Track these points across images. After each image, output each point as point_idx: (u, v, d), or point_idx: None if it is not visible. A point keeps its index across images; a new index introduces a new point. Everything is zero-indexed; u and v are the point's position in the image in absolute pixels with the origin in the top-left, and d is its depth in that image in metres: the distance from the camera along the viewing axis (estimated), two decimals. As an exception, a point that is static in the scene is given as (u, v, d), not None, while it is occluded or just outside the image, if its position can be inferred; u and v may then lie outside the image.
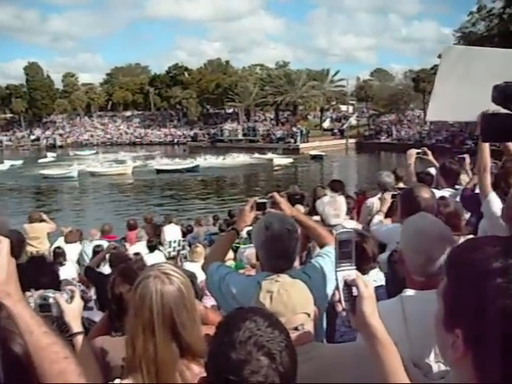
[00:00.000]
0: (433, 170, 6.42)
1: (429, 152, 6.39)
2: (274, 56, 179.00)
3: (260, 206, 3.30)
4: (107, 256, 6.65)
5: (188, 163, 49.36)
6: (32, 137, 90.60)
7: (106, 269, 6.90)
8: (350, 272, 1.71)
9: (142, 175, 44.83)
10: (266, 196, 3.41)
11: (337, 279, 1.72)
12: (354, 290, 1.68)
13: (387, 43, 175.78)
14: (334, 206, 4.76)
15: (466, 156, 6.70)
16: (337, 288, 1.72)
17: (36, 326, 1.59)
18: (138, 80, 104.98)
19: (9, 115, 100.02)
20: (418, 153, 6.22)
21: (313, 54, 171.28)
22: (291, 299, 2.07)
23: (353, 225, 5.09)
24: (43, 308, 2.41)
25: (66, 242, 10.60)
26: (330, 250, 3.02)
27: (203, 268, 3.23)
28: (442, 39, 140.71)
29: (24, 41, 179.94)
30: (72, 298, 2.46)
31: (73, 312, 2.42)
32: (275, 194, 3.31)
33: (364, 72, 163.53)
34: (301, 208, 10.11)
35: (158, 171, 45.98)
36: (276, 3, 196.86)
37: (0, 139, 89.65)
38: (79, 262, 10.24)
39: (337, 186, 6.41)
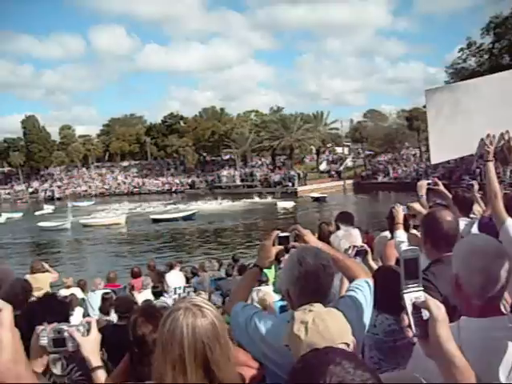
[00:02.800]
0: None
1: (439, 182, 6.27)
2: (265, 102, 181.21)
3: (282, 240, 3.13)
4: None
5: (184, 211, 49.34)
6: (30, 189, 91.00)
7: (113, 317, 6.73)
8: (418, 294, 1.58)
9: (136, 225, 44.72)
10: (288, 229, 3.25)
11: (404, 302, 1.57)
12: (425, 313, 1.55)
13: (375, 85, 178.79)
14: (350, 240, 4.61)
15: (475, 182, 6.58)
16: (405, 312, 1.58)
17: None
18: (134, 130, 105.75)
19: (7, 168, 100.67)
20: (428, 183, 6.11)
21: (303, 98, 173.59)
22: (329, 329, 1.92)
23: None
24: (57, 343, 2.21)
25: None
26: (361, 283, 2.89)
27: (226, 309, 3.03)
28: (429, 78, 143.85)
29: (19, 95, 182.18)
30: (89, 330, 2.27)
31: (90, 345, 2.24)
32: (298, 226, 3.16)
33: (355, 114, 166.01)
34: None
35: (154, 220, 45.80)
36: (264, 52, 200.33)
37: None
38: (84, 314, 10.07)
39: (347, 218, 6.22)
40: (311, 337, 1.89)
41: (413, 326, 1.55)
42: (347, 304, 2.75)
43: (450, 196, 6.00)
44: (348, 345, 1.96)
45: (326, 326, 1.92)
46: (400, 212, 4.96)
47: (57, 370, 2.68)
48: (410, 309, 1.56)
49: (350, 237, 4.68)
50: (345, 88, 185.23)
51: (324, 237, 4.94)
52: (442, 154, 4.12)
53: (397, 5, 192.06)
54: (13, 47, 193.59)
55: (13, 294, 4.66)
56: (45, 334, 2.22)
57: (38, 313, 2.96)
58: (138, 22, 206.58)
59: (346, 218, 6.14)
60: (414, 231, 5.51)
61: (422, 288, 1.60)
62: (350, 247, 4.19)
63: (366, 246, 4.36)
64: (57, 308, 3.20)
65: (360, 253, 4.17)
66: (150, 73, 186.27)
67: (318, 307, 2.03)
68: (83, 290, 12.51)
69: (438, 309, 1.54)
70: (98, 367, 2.26)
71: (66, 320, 3.05)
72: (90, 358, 2.23)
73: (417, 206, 5.40)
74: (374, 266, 4.27)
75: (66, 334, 2.22)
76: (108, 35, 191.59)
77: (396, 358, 3.10)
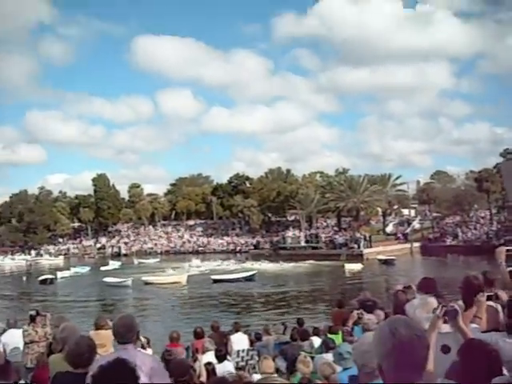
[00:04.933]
0: None
1: (520, 248, 5.94)
2: (329, 164, 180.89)
3: None
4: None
5: (244, 272, 48.97)
6: (98, 245, 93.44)
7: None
8: None
9: (197, 284, 44.67)
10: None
11: None
12: None
13: (440, 146, 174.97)
14: (426, 309, 4.34)
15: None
16: None
17: None
18: (200, 190, 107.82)
19: (77, 224, 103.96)
20: (507, 250, 5.80)
21: (367, 160, 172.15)
22: None
23: (447, 329, 4.63)
24: None
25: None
26: None
27: None
28: (496, 139, 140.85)
29: (90, 154, 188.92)
30: None
31: None
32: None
33: (420, 175, 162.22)
34: (381, 314, 9.65)
35: (214, 281, 45.75)
36: (327, 114, 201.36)
37: (67, 247, 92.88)
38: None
39: (429, 285, 5.88)
40: None
41: None
42: None
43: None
44: None
45: None
46: (483, 304, 4.62)
47: None
48: None
49: (426, 305, 4.44)
50: (409, 149, 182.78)
51: (400, 305, 4.66)
52: None
53: (459, 66, 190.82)
54: (86, 109, 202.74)
55: (78, 352, 4.60)
56: None
57: (107, 381, 2.80)
58: (204, 86, 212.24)
59: (427, 285, 5.83)
60: (490, 303, 5.16)
61: None
62: (438, 306, 3.91)
63: (456, 306, 4.05)
64: (127, 377, 3.01)
65: (450, 313, 3.88)
66: (216, 134, 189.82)
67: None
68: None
69: None
70: None
71: None
72: None
73: (504, 295, 5.15)
74: (465, 329, 3.97)
75: None
76: (175, 98, 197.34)
77: None
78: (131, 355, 4.80)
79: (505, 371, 3.39)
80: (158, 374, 4.82)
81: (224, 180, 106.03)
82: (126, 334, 4.91)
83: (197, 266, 60.18)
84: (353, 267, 50.97)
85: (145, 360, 4.93)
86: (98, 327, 10.51)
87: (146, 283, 46.14)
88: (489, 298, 4.70)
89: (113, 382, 2.74)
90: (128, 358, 3.26)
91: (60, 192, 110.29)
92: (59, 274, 54.88)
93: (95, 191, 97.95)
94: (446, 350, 3.96)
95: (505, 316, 4.57)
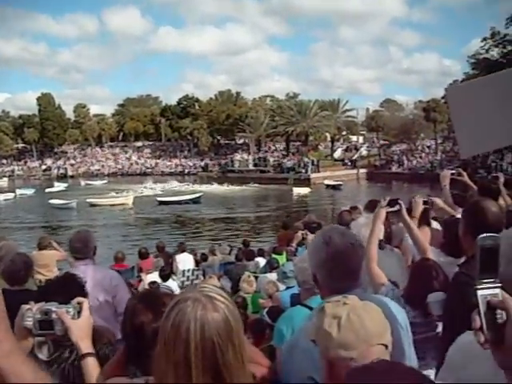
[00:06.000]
0: None
1: (464, 173, 5.96)
2: (278, 88, 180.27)
3: None
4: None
5: (190, 194, 49.13)
6: (43, 167, 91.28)
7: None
8: (494, 291, 1.28)
9: (143, 206, 44.65)
10: None
11: (477, 300, 1.28)
12: (500, 314, 1.25)
13: (390, 75, 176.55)
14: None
15: (500, 175, 6.23)
16: (478, 312, 1.28)
17: None
18: (148, 111, 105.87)
19: (21, 145, 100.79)
20: (452, 174, 5.82)
21: (317, 85, 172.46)
22: (365, 327, 1.63)
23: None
24: (44, 325, 1.94)
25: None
26: None
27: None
28: (444, 70, 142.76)
29: (33, 73, 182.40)
30: (80, 312, 2.01)
31: (80, 330, 1.96)
32: None
33: (369, 103, 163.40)
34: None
35: (160, 202, 45.75)
36: (278, 37, 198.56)
37: (12, 169, 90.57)
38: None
39: (375, 206, 5.87)
40: (344, 335, 1.61)
41: (485, 329, 1.25)
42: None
43: (475, 187, 5.71)
44: (386, 346, 1.69)
45: (362, 324, 1.63)
46: (419, 205, 4.64)
47: (42, 355, 2.37)
48: (482, 308, 1.26)
49: (371, 224, 4.42)
50: (359, 77, 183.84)
51: (344, 224, 4.66)
52: (472, 148, 3.94)
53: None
54: (28, 26, 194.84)
55: (13, 269, 4.50)
56: (30, 314, 1.97)
57: (53, 292, 2.63)
58: (153, 5, 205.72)
59: (375, 206, 5.84)
60: (434, 224, 5.24)
61: (500, 284, 1.31)
62: (383, 199, 4.04)
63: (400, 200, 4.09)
64: (75, 291, 2.81)
65: (393, 203, 3.99)
66: (164, 55, 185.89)
67: (353, 300, 1.73)
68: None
69: None
70: (88, 354, 2.02)
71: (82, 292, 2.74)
72: (79, 343, 1.98)
73: (439, 201, 5.14)
74: (410, 221, 4.07)
75: (53, 316, 1.96)
76: (122, 16, 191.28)
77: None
78: (95, 270, 4.76)
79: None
80: (121, 289, 4.89)
81: (173, 101, 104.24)
82: (82, 249, 4.88)
83: (150, 187, 60.06)
84: (300, 191, 51.69)
85: (106, 275, 4.95)
86: (41, 247, 10.33)
87: (92, 205, 45.72)
88: (425, 203, 4.70)
89: (60, 295, 2.59)
90: (80, 274, 3.14)
91: (3, 111, 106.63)
92: (2, 197, 53.91)
93: (40, 111, 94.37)
94: (380, 245, 4.06)
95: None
